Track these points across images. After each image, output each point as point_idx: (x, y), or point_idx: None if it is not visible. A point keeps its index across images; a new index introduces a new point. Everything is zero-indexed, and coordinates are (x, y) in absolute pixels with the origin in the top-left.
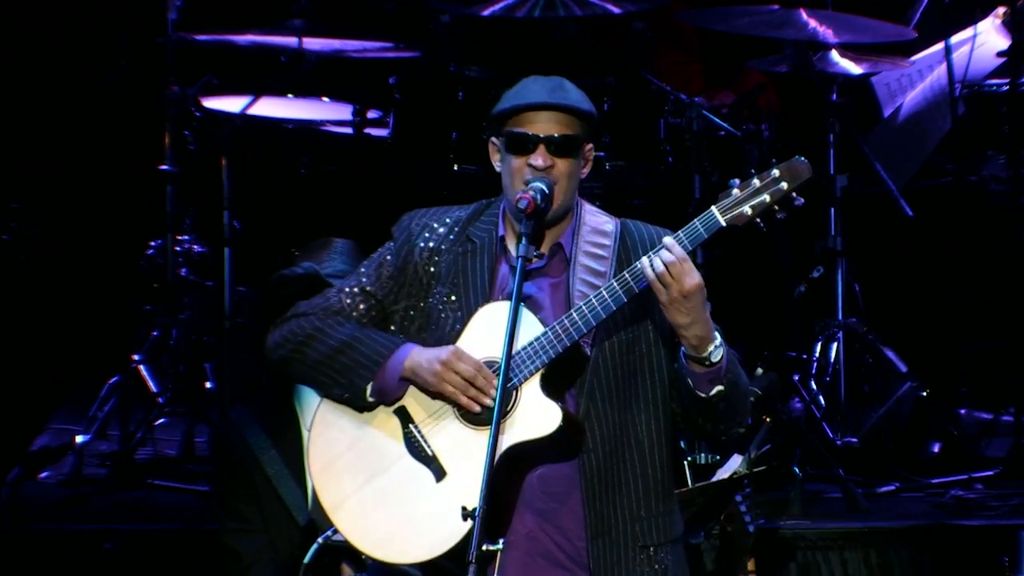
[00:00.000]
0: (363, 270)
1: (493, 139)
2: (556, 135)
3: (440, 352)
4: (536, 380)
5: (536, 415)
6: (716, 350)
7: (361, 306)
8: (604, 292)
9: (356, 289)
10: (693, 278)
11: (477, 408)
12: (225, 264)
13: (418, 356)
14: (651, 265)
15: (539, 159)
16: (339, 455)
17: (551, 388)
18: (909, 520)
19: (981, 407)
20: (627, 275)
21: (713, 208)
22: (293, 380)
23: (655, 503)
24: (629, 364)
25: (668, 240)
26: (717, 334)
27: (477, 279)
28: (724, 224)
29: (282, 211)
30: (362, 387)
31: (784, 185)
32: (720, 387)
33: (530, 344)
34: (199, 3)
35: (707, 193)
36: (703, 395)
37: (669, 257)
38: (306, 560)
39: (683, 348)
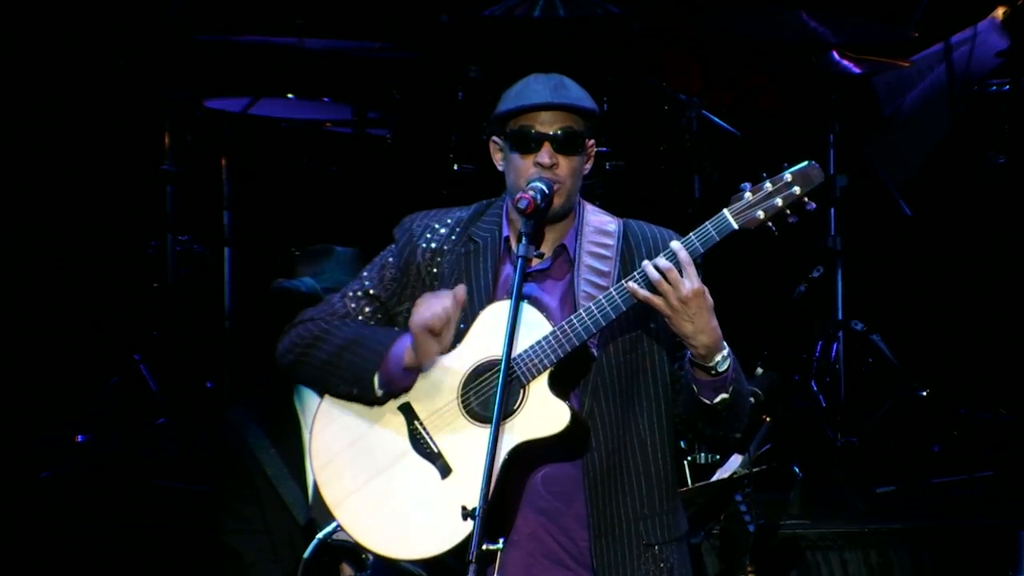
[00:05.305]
0: (366, 273)
1: (495, 139)
2: (560, 133)
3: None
4: (544, 379)
5: (544, 414)
6: (723, 360)
7: (366, 309)
8: (614, 292)
9: (360, 293)
10: (691, 284)
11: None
12: (225, 264)
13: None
14: (647, 275)
15: (545, 157)
16: (342, 451)
17: (559, 387)
18: (909, 520)
19: (981, 407)
20: (637, 276)
21: (725, 211)
22: (303, 384)
23: (659, 501)
24: (632, 363)
25: (675, 244)
26: (725, 343)
27: (481, 279)
28: (737, 227)
29: (282, 211)
30: (369, 379)
31: (796, 189)
32: (725, 395)
33: (538, 343)
34: (199, 3)
35: (707, 193)
36: (707, 402)
37: (664, 263)
38: (305, 555)
39: (689, 354)
